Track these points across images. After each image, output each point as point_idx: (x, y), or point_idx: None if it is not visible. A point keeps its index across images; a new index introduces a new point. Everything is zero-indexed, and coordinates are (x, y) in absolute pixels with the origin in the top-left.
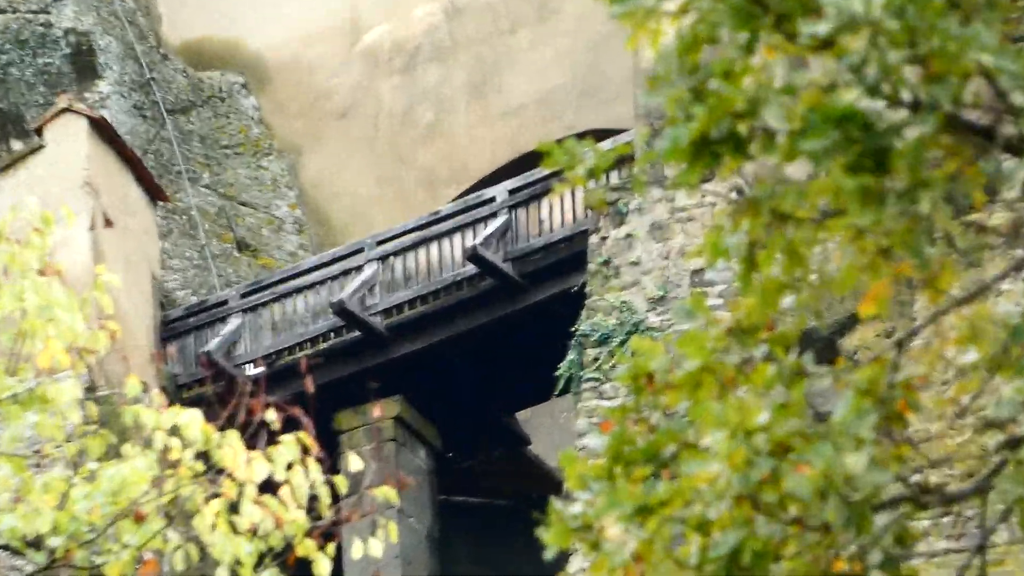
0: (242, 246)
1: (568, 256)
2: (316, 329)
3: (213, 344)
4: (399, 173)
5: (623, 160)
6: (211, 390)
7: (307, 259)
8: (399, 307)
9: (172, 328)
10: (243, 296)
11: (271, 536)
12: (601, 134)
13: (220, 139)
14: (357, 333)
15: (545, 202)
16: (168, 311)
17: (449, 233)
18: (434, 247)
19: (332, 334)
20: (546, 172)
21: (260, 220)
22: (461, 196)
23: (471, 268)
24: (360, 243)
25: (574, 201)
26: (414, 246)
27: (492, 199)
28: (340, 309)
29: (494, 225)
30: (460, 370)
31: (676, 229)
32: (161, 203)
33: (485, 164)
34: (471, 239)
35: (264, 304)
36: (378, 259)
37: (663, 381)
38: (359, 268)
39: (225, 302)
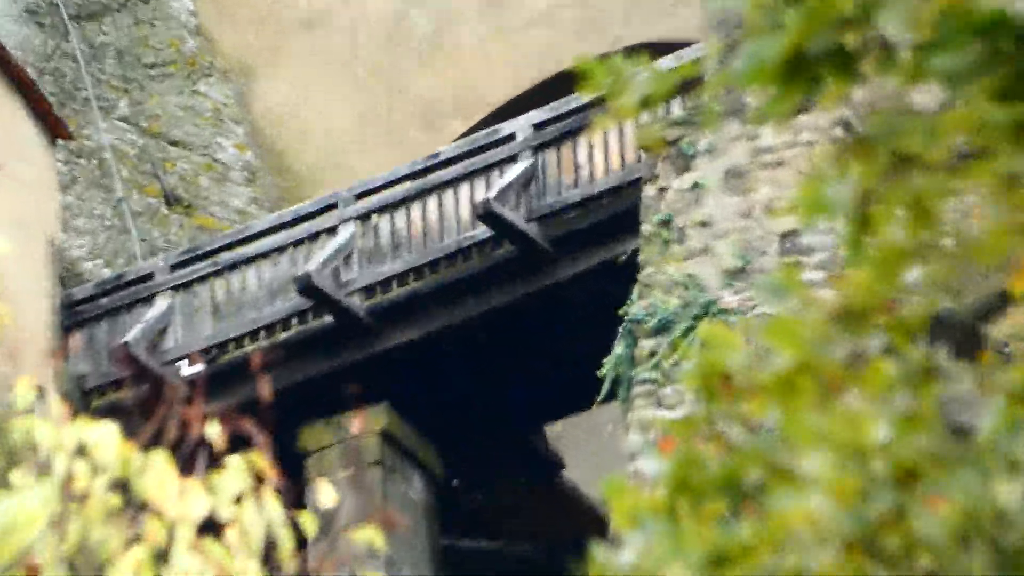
0: (172, 201)
1: (613, 214)
2: (273, 313)
3: (133, 334)
4: (386, 103)
5: (688, 84)
6: (131, 396)
7: (261, 218)
8: (385, 284)
9: (78, 312)
10: (174, 268)
11: None
12: (658, 49)
13: (143, 55)
14: (329, 319)
15: (583, 141)
16: (72, 289)
17: (453, 183)
18: (433, 202)
19: (295, 320)
20: (584, 101)
21: (197, 166)
22: (469, 133)
23: (482, 231)
24: (333, 197)
25: (622, 140)
26: (406, 201)
27: (511, 137)
28: (306, 286)
29: (514, 173)
30: (468, 369)
31: (760, 177)
32: (62, 142)
33: (502, 91)
34: (482, 191)
35: (202, 279)
36: (357, 218)
37: (744, 383)
38: (332, 231)
39: (149, 276)
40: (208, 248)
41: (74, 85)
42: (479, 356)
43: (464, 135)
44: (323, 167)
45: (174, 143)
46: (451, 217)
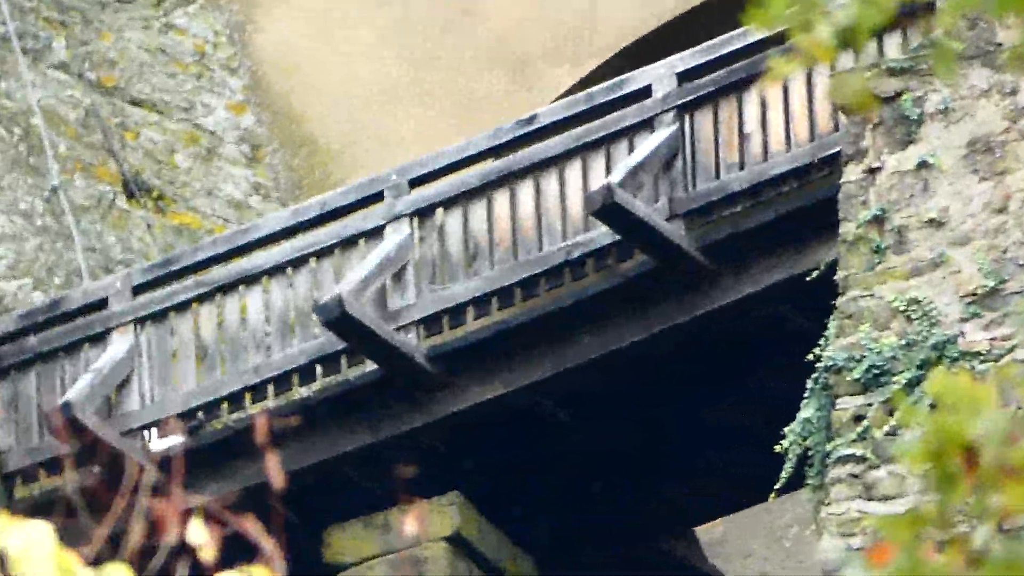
0: (136, 190)
1: (798, 209)
2: (288, 358)
3: (77, 389)
4: (453, 42)
5: (912, 12)
6: (74, 482)
7: (269, 217)
8: (456, 313)
9: None
10: (138, 291)
11: None
12: None
13: None
14: (371, 367)
15: (751, 98)
16: None
17: (557, 163)
18: (525, 191)
19: (320, 368)
20: (754, 38)
21: (172, 136)
22: (580, 87)
23: (602, 233)
24: (377, 183)
25: (810, 98)
26: (485, 189)
27: (644, 93)
28: (336, 317)
29: (648, 147)
30: (580, 442)
31: (1021, 153)
32: None
33: (627, 23)
34: (601, 174)
35: (182, 308)
36: (413, 215)
37: (996, 462)
38: (375, 234)
39: (102, 304)
40: (190, 261)
41: None
42: (597, 422)
43: (572, 90)
44: (360, 138)
45: (137, 103)
46: (554, 213)
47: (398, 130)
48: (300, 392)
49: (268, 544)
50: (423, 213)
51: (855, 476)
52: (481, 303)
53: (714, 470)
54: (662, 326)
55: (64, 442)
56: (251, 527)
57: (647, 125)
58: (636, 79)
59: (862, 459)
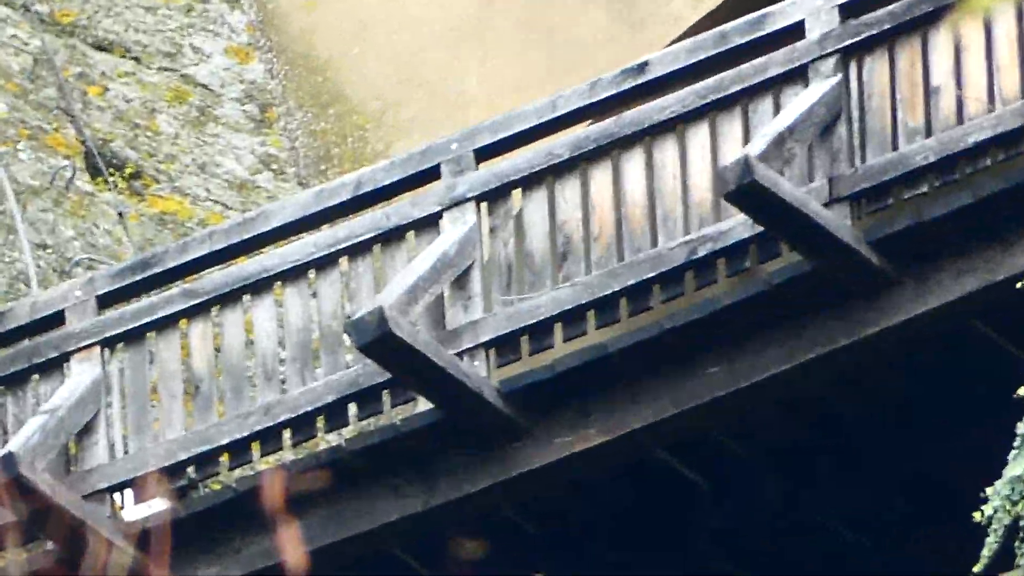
0: (104, 165)
1: (1004, 192)
2: (310, 395)
3: (23, 437)
4: None
5: None
6: (20, 564)
7: (285, 201)
8: (539, 332)
9: None
10: (105, 303)
11: None
12: None
13: None
14: (424, 405)
15: (941, 39)
16: None
17: (675, 127)
18: (633, 166)
19: (353, 407)
20: None
21: (153, 91)
22: (707, 25)
23: (735, 222)
24: (432, 153)
25: (1022, 38)
26: (579, 164)
27: (796, 31)
28: (377, 338)
29: (800, 106)
30: (709, 510)
31: None
32: None
33: None
34: (735, 142)
35: (163, 326)
36: (480, 200)
37: None
38: (428, 224)
39: (56, 319)
40: (177, 261)
41: None
42: (730, 483)
43: (696, 28)
44: (409, 93)
45: (103, 47)
46: (672, 196)
47: (460, 83)
48: (327, 440)
49: None
50: (494, 196)
51: None
52: (573, 319)
53: (893, 534)
54: (818, 351)
55: (7, 508)
56: None
57: (799, 76)
58: (784, 14)
59: None
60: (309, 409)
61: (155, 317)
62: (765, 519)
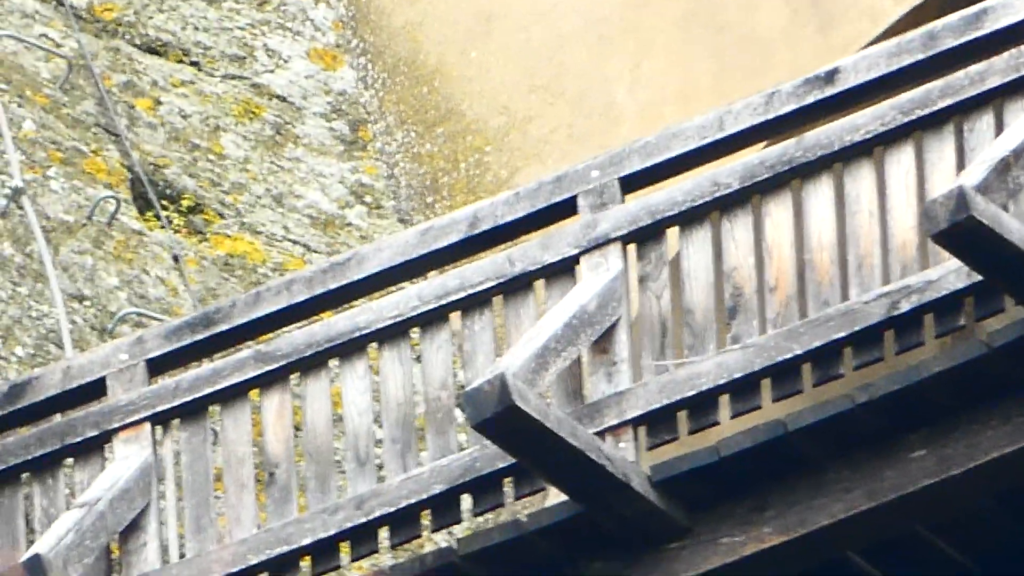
0: (155, 196)
1: None
2: (415, 486)
3: (54, 536)
4: None
5: None
6: None
7: (382, 241)
8: (701, 406)
9: None
10: (156, 369)
11: None
12: None
13: None
14: (558, 498)
15: None
16: None
17: (871, 149)
18: (819, 198)
19: (469, 500)
20: None
21: (217, 105)
22: (906, 25)
23: (948, 269)
24: (567, 182)
25: None
26: (751, 196)
27: (1019, 30)
28: (499, 412)
29: None
30: None
31: None
32: None
33: None
34: (948, 168)
35: (230, 398)
36: (627, 240)
37: None
38: (561, 273)
39: (96, 389)
40: (247, 317)
41: None
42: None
43: (897, 27)
44: (537, 108)
45: (156, 49)
46: (867, 237)
47: (606, 93)
48: (434, 541)
49: None
50: (645, 237)
51: None
52: (744, 391)
53: None
54: None
55: None
56: None
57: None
58: (1009, 7)
59: None
60: (412, 502)
61: (220, 387)
62: None
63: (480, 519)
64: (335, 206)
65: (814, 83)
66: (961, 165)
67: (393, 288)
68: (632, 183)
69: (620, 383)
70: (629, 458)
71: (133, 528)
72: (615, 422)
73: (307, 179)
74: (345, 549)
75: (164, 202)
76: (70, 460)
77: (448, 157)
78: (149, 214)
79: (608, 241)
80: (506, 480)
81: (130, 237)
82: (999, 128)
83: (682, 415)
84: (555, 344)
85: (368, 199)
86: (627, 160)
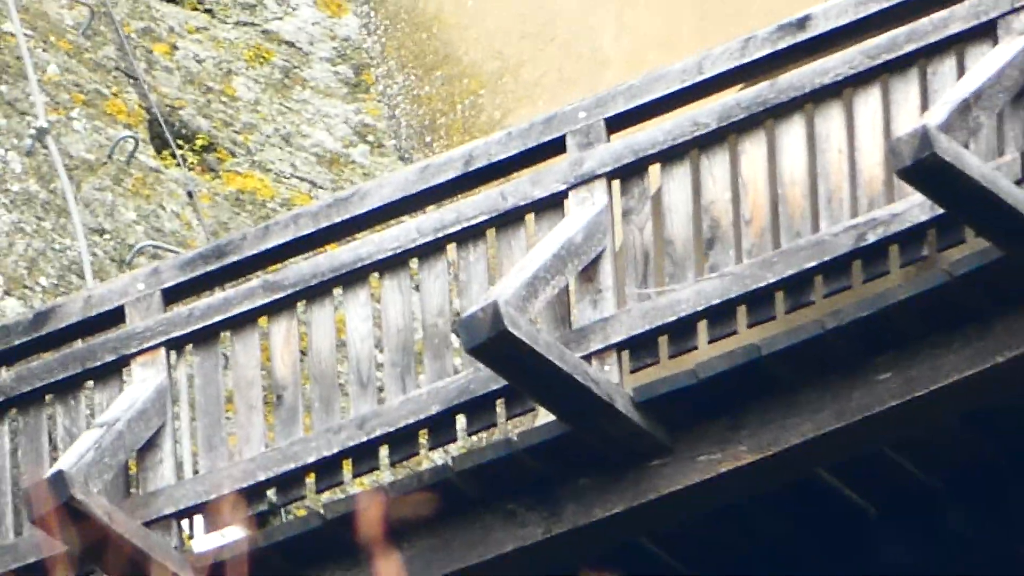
0: (172, 136)
1: None
2: (412, 406)
3: (76, 453)
4: None
5: None
6: None
7: (383, 178)
8: (681, 332)
9: None
10: (172, 298)
11: None
12: None
13: None
14: (545, 418)
15: None
16: None
17: (841, 91)
18: (791, 137)
19: (463, 420)
20: None
21: (228, 49)
22: None
23: (912, 203)
24: (557, 122)
25: None
26: (728, 135)
27: None
28: (492, 338)
29: (989, 67)
30: (886, 548)
31: None
32: None
33: None
34: (912, 109)
35: (240, 325)
36: (612, 176)
37: None
38: (552, 206)
39: (115, 317)
40: (256, 249)
41: None
42: (907, 502)
43: None
44: (527, 51)
45: None
46: (837, 173)
47: (593, 39)
48: (431, 459)
49: None
50: (628, 173)
51: None
52: (721, 317)
53: None
54: (1008, 354)
55: (55, 537)
56: None
57: (987, 32)
58: None
59: None
60: (411, 422)
61: (231, 314)
62: (946, 551)
63: (474, 438)
64: (339, 145)
65: (787, 29)
66: (925, 106)
67: (393, 222)
68: (617, 124)
69: (605, 310)
70: (613, 380)
71: (149, 446)
72: (600, 346)
73: (313, 120)
74: (347, 466)
75: (179, 142)
76: (90, 383)
77: (445, 99)
78: (165, 153)
79: (594, 177)
80: (498, 401)
81: (147, 174)
82: (960, 71)
83: (663, 340)
84: (544, 273)
85: (370, 138)
86: (612, 102)
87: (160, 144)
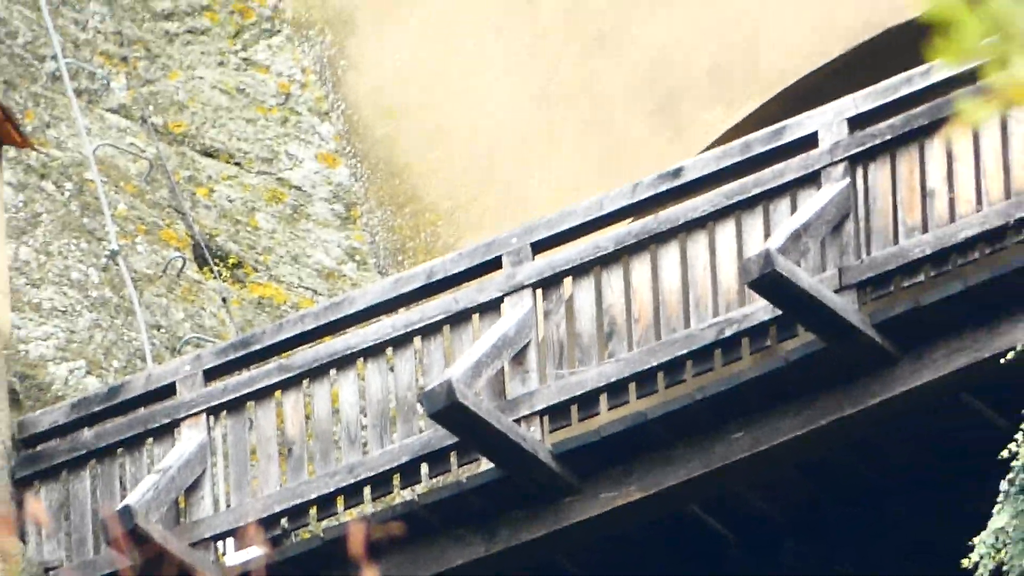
0: (210, 255)
1: (991, 280)
2: (387, 456)
3: (140, 493)
4: (585, 78)
5: None
6: None
7: (366, 288)
8: (587, 402)
9: (40, 455)
10: (211, 376)
11: None
12: None
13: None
14: (486, 466)
15: (935, 149)
16: (30, 414)
17: (706, 224)
18: (669, 257)
19: (425, 467)
20: (938, 77)
21: (252, 193)
22: (735, 134)
23: (758, 307)
24: (494, 247)
25: (1006, 147)
26: (622, 256)
27: (809, 142)
28: (447, 406)
29: (814, 206)
30: (738, 560)
31: None
32: (13, 152)
33: (789, 60)
34: (758, 237)
35: (262, 396)
36: (537, 287)
37: None
38: (490, 309)
39: (169, 390)
40: (273, 340)
41: (33, 51)
42: (754, 535)
43: (726, 137)
44: (475, 194)
45: (211, 153)
46: (703, 284)
47: (525, 184)
48: (402, 496)
49: None
50: (548, 283)
51: None
52: (616, 391)
53: None
54: (828, 419)
55: (125, 555)
56: None
57: (813, 180)
58: (800, 126)
59: None
60: (387, 468)
61: (254, 389)
62: (783, 571)
63: (434, 481)
64: (334, 263)
65: (665, 177)
66: (767, 234)
67: (374, 320)
68: (540, 247)
69: (531, 385)
70: (537, 438)
71: (194, 487)
72: (527, 412)
73: (315, 244)
74: (340, 501)
75: (216, 260)
76: (150, 440)
77: (412, 229)
78: (205, 269)
79: (523, 287)
80: (451, 453)
81: (192, 285)
82: (794, 209)
83: (574, 408)
84: (486, 359)
85: (357, 258)
86: (536, 231)
87: (201, 262)
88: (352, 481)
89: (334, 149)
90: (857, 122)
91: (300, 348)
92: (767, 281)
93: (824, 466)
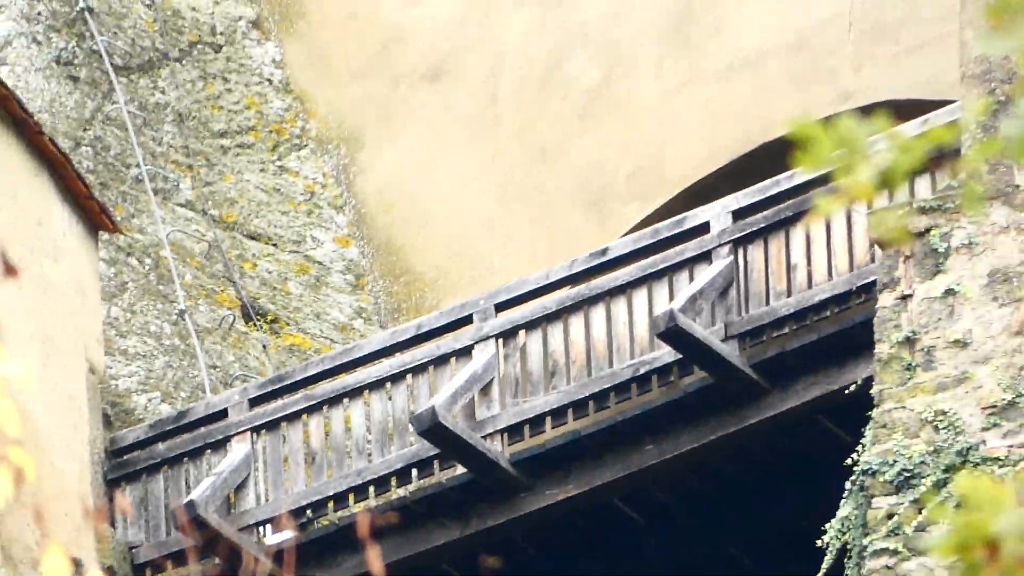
0: (253, 314)
1: (839, 332)
2: (387, 463)
3: (201, 490)
4: (536, 181)
5: (941, 157)
6: (198, 572)
7: (371, 337)
8: (536, 423)
9: (127, 462)
10: (255, 404)
11: None
12: (901, 110)
13: (212, 120)
14: (461, 471)
15: (798, 234)
16: (120, 431)
17: (626, 290)
18: (599, 315)
19: (415, 472)
20: (801, 179)
21: (285, 267)
22: (647, 223)
23: (665, 353)
24: (467, 308)
25: (850, 233)
26: (563, 314)
27: (703, 229)
28: (430, 426)
29: (707, 276)
30: (647, 539)
31: None
32: (106, 236)
33: (690, 165)
34: (665, 300)
35: (293, 418)
36: (498, 337)
37: (1018, 555)
38: (465, 353)
39: (223, 415)
40: (300, 376)
41: (121, 160)
42: (660, 521)
43: (640, 225)
44: (452, 267)
45: (254, 237)
46: (623, 335)
47: (489, 259)
48: (398, 493)
49: None
50: (507, 335)
51: (889, 568)
52: (558, 414)
53: (762, 559)
54: (717, 435)
55: (189, 537)
56: None
57: (705, 257)
58: (696, 216)
59: (895, 552)
60: (386, 472)
61: (286, 413)
62: (681, 546)
63: (422, 482)
64: (347, 319)
65: (595, 255)
66: (672, 297)
67: (376, 362)
68: (501, 307)
69: (494, 410)
70: (499, 450)
71: (241, 486)
72: (491, 431)
73: (332, 306)
74: (351, 497)
75: (258, 317)
76: (209, 451)
77: (405, 294)
78: (250, 324)
79: (488, 337)
80: (435, 461)
81: (240, 336)
82: (691, 279)
83: (526, 427)
84: (461, 391)
85: (364, 316)
86: (498, 295)
87: (247, 319)
88: (360, 482)
89: (347, 234)
90: (739, 214)
91: (321, 382)
92: (671, 333)
93: (714, 470)
